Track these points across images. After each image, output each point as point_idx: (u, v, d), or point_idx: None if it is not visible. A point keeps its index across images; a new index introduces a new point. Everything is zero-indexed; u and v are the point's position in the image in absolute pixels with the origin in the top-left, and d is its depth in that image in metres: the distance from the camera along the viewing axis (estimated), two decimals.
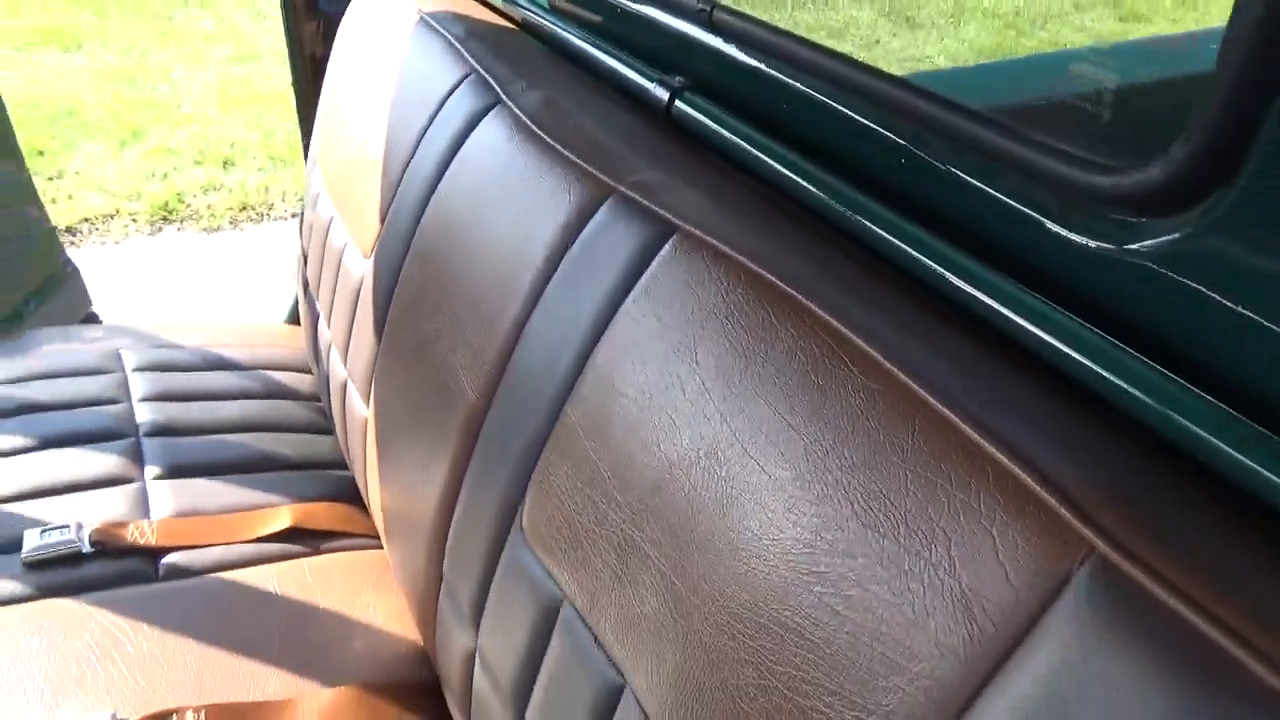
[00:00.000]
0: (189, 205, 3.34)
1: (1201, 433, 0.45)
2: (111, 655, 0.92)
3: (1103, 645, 0.41)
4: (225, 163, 3.53)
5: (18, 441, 1.14)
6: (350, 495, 1.19)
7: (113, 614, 0.96)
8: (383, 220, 1.03)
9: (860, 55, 0.75)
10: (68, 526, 1.03)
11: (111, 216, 3.26)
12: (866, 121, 0.69)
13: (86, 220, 3.20)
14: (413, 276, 0.95)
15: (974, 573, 0.45)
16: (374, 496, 1.06)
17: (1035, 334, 0.53)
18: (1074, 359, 0.51)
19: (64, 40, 4.37)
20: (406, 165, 1.00)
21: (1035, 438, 0.47)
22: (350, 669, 0.96)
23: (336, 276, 1.15)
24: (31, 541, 1.01)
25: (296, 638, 0.99)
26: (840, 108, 0.71)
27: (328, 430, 1.28)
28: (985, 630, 0.45)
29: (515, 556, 0.75)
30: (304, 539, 1.11)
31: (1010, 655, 0.44)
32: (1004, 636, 0.44)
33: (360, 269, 1.07)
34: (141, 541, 1.05)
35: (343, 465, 1.23)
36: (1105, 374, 0.49)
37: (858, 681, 0.49)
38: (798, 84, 0.75)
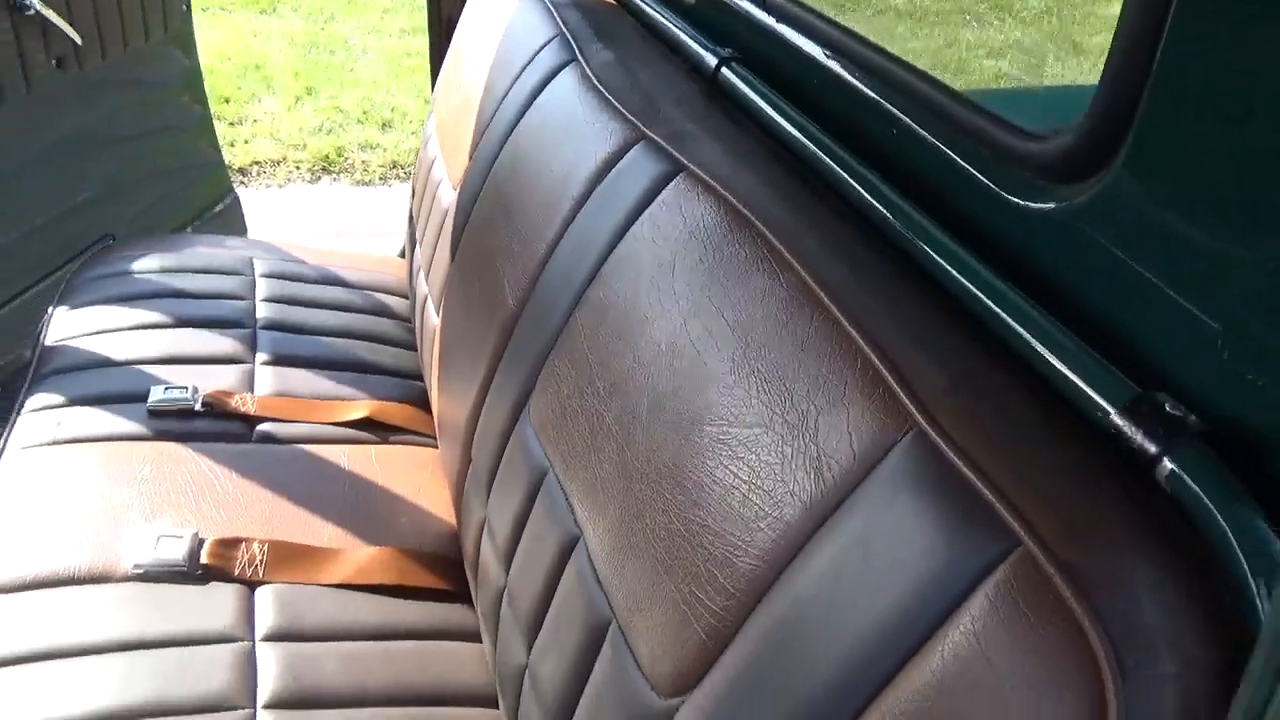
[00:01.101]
0: (347, 159, 3.64)
1: (1030, 339, 0.54)
2: (203, 491, 1.11)
3: (903, 496, 0.50)
4: (384, 124, 3.82)
5: (160, 318, 1.36)
6: (421, 401, 1.35)
7: (209, 460, 1.15)
8: (471, 156, 1.18)
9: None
10: (186, 388, 1.23)
11: (279, 163, 3.59)
12: (869, 92, 0.78)
13: (256, 163, 3.54)
14: (485, 204, 1.09)
15: (828, 440, 0.55)
16: (434, 399, 1.22)
17: (940, 264, 0.62)
18: (953, 275, 0.60)
19: (262, 4, 4.81)
20: (496, 110, 1.15)
21: (898, 336, 0.57)
22: (392, 536, 1.12)
23: (431, 206, 1.31)
24: (156, 395, 1.21)
25: (353, 505, 1.15)
26: (851, 79, 0.81)
27: (413, 346, 1.45)
28: (828, 484, 0.54)
29: (521, 435, 0.88)
30: (375, 430, 1.28)
31: (841, 504, 0.53)
32: (841, 489, 0.54)
33: (449, 199, 1.23)
34: (243, 409, 1.24)
35: (419, 377, 1.40)
36: (973, 289, 0.59)
37: (739, 525, 0.59)
38: (819, 57, 0.85)
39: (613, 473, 0.72)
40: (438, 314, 1.20)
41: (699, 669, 0.59)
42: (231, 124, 3.77)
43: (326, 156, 3.63)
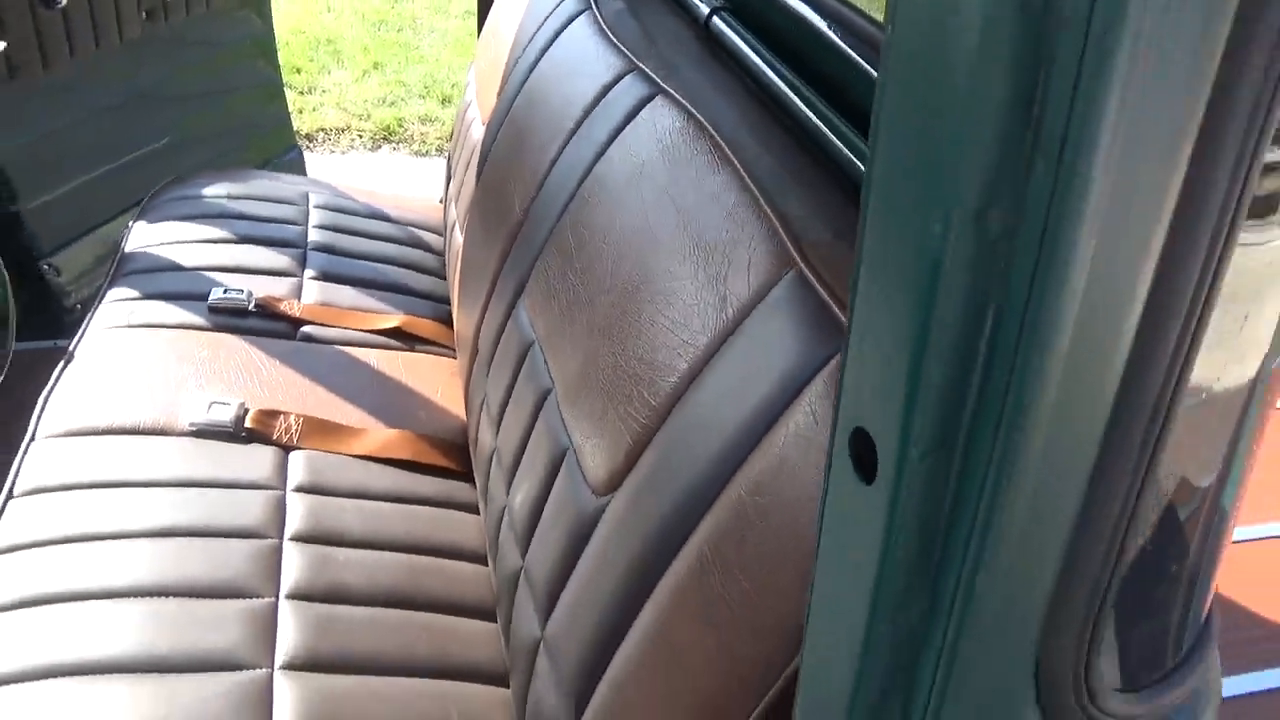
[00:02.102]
0: (407, 130, 3.83)
1: None
2: (250, 374, 1.28)
3: (779, 317, 0.64)
4: (444, 99, 4.01)
5: (223, 234, 1.54)
6: (446, 320, 1.51)
7: (258, 350, 1.32)
8: (498, 95, 1.33)
9: None
10: (242, 291, 1.41)
11: (343, 131, 3.80)
12: (844, 46, 0.91)
13: (322, 130, 3.75)
14: (505, 134, 1.25)
15: (735, 282, 0.69)
16: (455, 313, 1.38)
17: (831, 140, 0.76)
18: (836, 144, 0.73)
19: None
20: (521, 53, 1.30)
21: (801, 207, 0.70)
22: (410, 423, 1.28)
23: (464, 143, 1.47)
24: (215, 294, 1.39)
25: (378, 397, 1.31)
26: (828, 31, 0.94)
27: (443, 275, 1.62)
28: (730, 315, 0.68)
29: (516, 319, 1.03)
30: (404, 339, 1.45)
31: (737, 327, 0.67)
32: (738, 317, 0.68)
33: (478, 135, 1.39)
34: (289, 313, 1.41)
35: (447, 301, 1.56)
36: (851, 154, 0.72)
37: (665, 354, 0.73)
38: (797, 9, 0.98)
39: (579, 332, 0.87)
40: (461, 235, 1.36)
41: (624, 470, 0.74)
42: (301, 93, 3.99)
43: (388, 127, 3.83)
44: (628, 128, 0.95)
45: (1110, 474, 0.34)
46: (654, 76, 0.99)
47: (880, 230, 0.34)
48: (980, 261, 0.31)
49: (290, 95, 3.69)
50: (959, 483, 0.34)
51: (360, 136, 3.76)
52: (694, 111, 0.90)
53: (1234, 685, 1.44)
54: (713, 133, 0.84)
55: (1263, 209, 0.33)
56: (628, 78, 1.02)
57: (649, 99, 0.96)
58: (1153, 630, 0.43)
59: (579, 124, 1.04)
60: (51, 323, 1.90)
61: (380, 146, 3.74)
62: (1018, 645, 0.38)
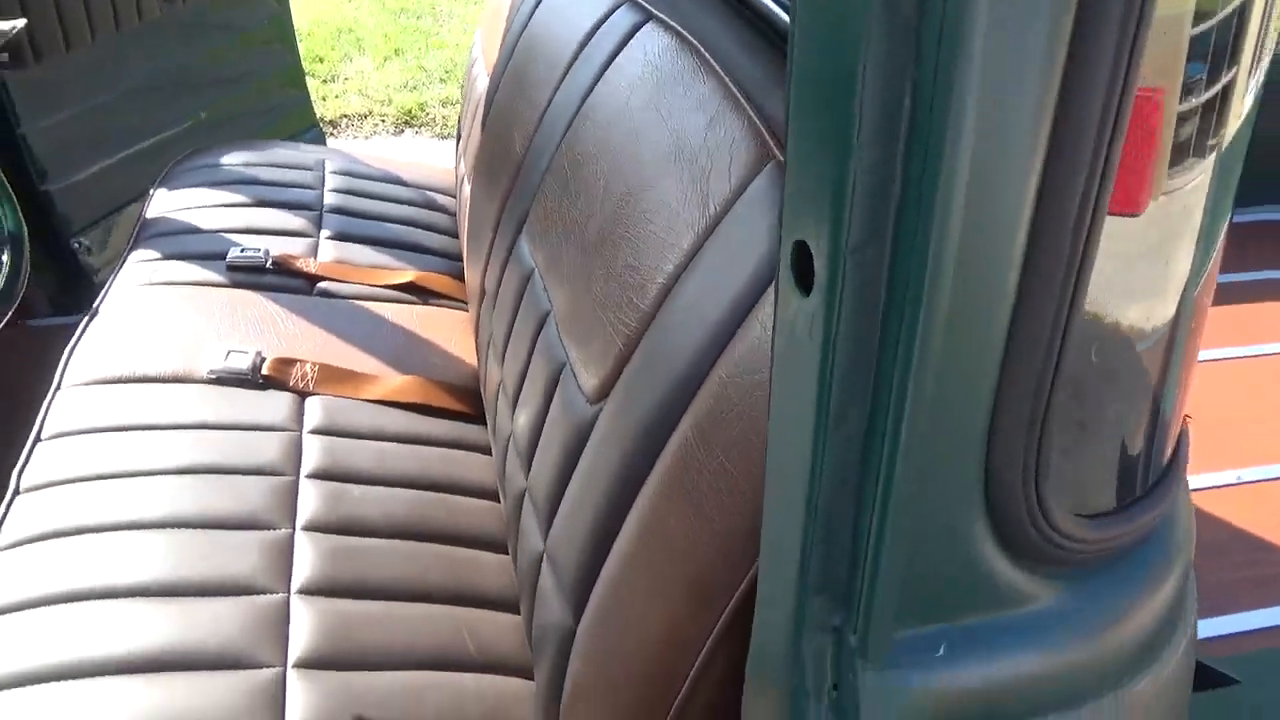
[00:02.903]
0: (429, 114, 3.87)
1: None
2: (267, 326, 1.31)
3: (757, 208, 0.65)
4: (464, 83, 4.04)
5: (241, 199, 1.57)
6: (459, 276, 1.53)
7: (275, 305, 1.35)
8: (500, 45, 1.35)
9: None
10: (259, 250, 1.44)
11: (365, 116, 3.84)
12: None
13: (345, 116, 3.80)
14: (508, 78, 1.26)
15: (715, 182, 0.70)
16: (465, 264, 1.40)
17: None
18: None
19: None
20: (520, 3, 1.31)
21: (769, 95, 0.71)
22: (422, 370, 1.31)
23: (471, 97, 1.49)
24: (233, 253, 1.42)
25: (391, 347, 1.34)
26: None
27: (455, 234, 1.64)
28: (712, 213, 0.69)
29: (518, 253, 1.05)
30: (418, 294, 1.47)
31: (718, 223, 0.68)
32: (719, 214, 0.69)
33: (483, 85, 1.41)
34: (305, 269, 1.44)
35: (460, 258, 1.58)
36: None
37: (652, 258, 0.75)
38: None
39: (574, 254, 0.88)
40: (469, 184, 1.38)
41: (615, 375, 0.75)
42: (324, 81, 4.04)
43: (409, 111, 3.86)
44: (620, 55, 0.96)
45: (1042, 262, 0.35)
46: (645, 4, 1.00)
47: (804, 50, 0.35)
48: (893, 54, 0.32)
49: (313, 84, 3.73)
50: (890, 274, 0.34)
51: (383, 121, 3.80)
52: (682, 30, 0.90)
53: (1258, 619, 1.43)
54: (698, 46, 0.85)
55: None
56: (621, 9, 1.03)
57: (640, 25, 0.97)
58: (1107, 454, 0.43)
59: (575, 58, 1.06)
60: (82, 299, 1.96)
61: (403, 130, 3.78)
62: (961, 455, 0.38)
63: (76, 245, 1.98)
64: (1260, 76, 0.39)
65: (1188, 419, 0.47)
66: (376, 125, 3.77)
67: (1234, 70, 0.37)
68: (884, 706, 0.41)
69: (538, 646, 0.87)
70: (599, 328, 0.79)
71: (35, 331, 1.87)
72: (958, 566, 0.40)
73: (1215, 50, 0.36)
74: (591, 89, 0.98)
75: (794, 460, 0.40)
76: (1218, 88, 0.37)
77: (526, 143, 1.11)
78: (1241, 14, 0.36)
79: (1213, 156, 0.39)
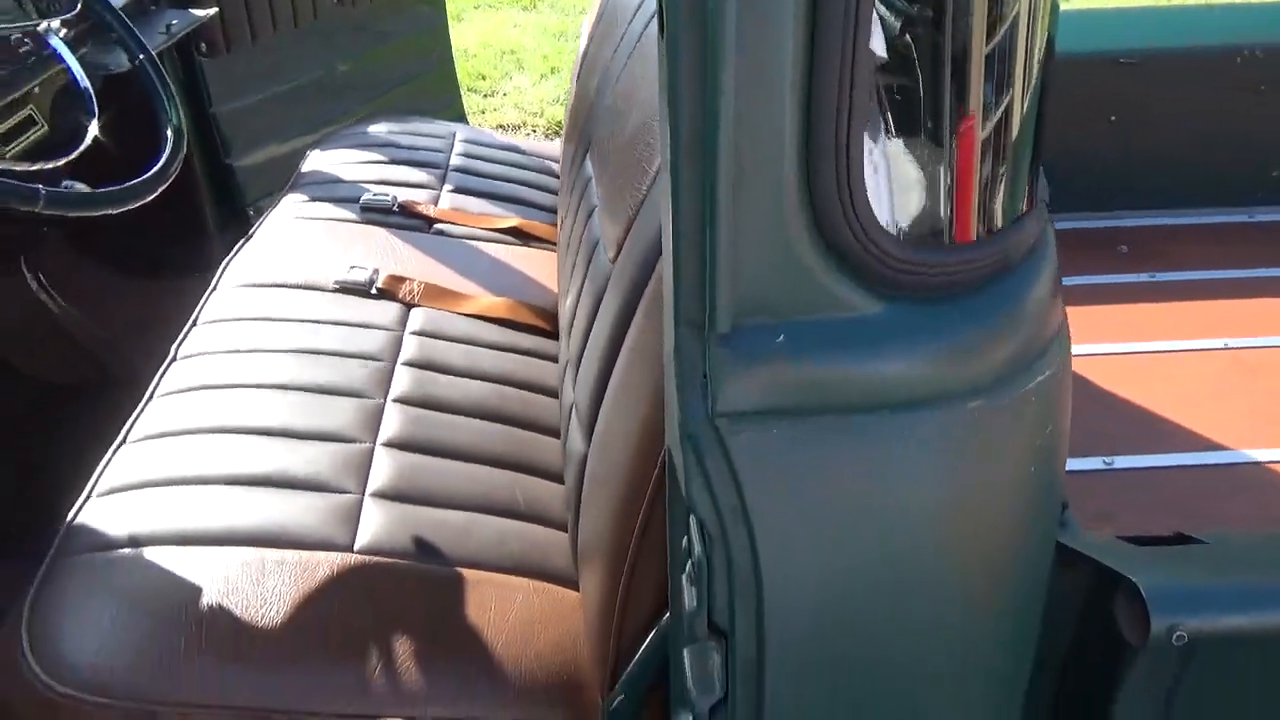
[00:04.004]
0: None
1: None
2: (386, 252, 1.52)
3: None
4: None
5: (380, 158, 1.81)
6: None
7: (396, 238, 1.57)
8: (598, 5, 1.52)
9: None
10: (388, 194, 1.66)
11: (519, 126, 4.14)
12: None
13: (500, 126, 4.11)
14: (594, 33, 1.43)
15: None
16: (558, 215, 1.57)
17: None
18: None
19: (524, 2, 5.48)
20: None
21: None
22: (512, 294, 1.48)
23: (578, 62, 1.67)
24: (365, 196, 1.64)
25: (489, 276, 1.52)
26: None
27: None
28: None
29: (582, 171, 1.20)
30: (520, 236, 1.66)
31: None
32: None
33: (583, 45, 1.58)
34: (426, 213, 1.65)
35: None
36: None
37: None
38: None
39: (613, 145, 1.02)
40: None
41: (625, 233, 0.89)
42: (484, 96, 4.37)
43: (558, 122, 4.13)
44: None
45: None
46: None
47: None
48: None
49: (475, 99, 4.05)
50: None
51: (534, 130, 4.09)
52: None
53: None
54: None
55: None
56: None
57: None
58: (932, 177, 0.52)
59: (637, 8, 1.21)
60: None
61: (554, 138, 4.05)
62: (778, 157, 0.49)
63: (251, 213, 2.29)
64: None
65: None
66: (529, 134, 4.06)
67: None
68: (734, 383, 0.52)
69: (567, 480, 1.01)
70: (622, 202, 0.92)
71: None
72: (787, 266, 0.50)
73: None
74: (642, 34, 1.13)
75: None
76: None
77: (595, 84, 1.27)
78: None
79: None
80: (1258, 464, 1.48)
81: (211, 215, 2.15)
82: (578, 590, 1.01)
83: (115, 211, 1.25)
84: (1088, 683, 0.75)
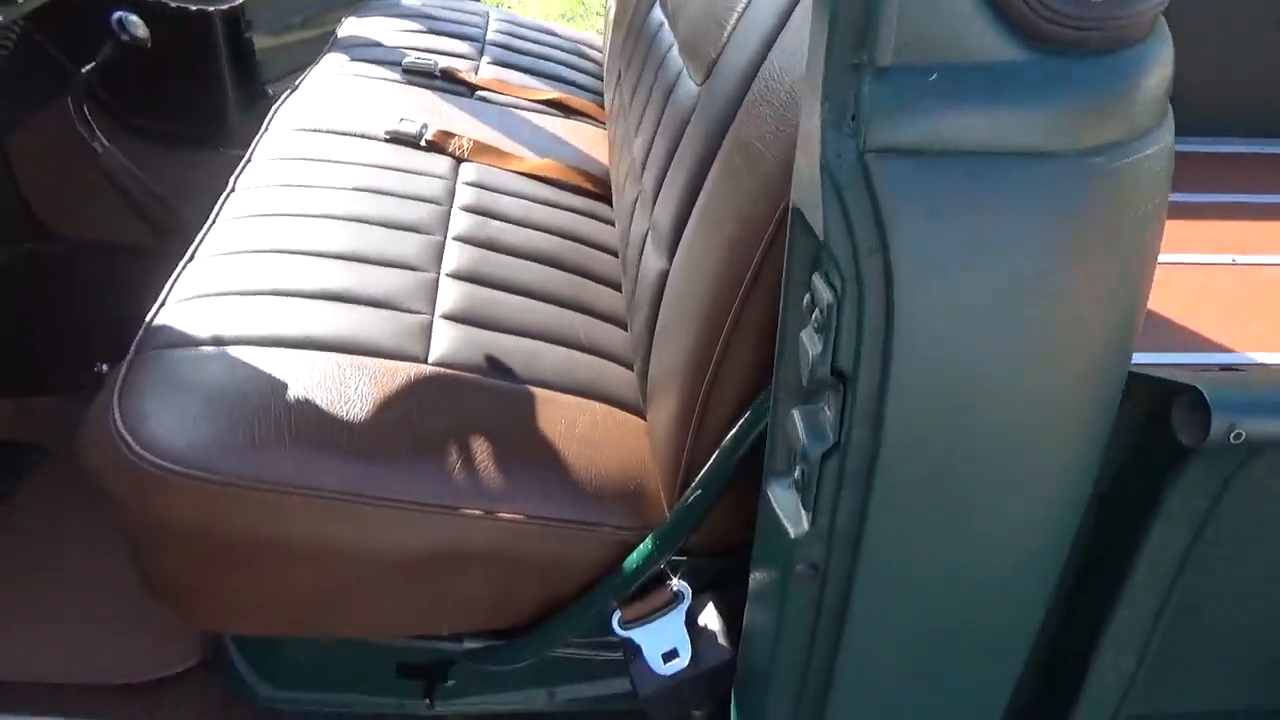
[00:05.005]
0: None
1: None
2: (434, 110, 1.53)
3: None
4: None
5: (418, 27, 1.80)
6: (598, 104, 1.71)
7: (440, 99, 1.57)
8: None
9: None
10: (430, 60, 1.65)
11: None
12: None
13: None
14: None
15: None
16: (606, 90, 1.58)
17: None
18: None
19: None
20: None
21: None
22: (559, 158, 1.49)
23: None
24: (407, 59, 1.64)
25: (537, 141, 1.53)
26: None
27: (598, 75, 1.82)
28: None
29: (651, 17, 1.21)
30: (561, 109, 1.66)
31: None
32: None
33: None
34: (468, 80, 1.65)
35: (601, 94, 1.77)
36: None
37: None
38: None
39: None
40: (613, 6, 1.56)
41: (714, 60, 0.91)
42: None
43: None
44: None
45: None
46: None
47: None
48: None
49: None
50: None
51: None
52: None
53: None
54: None
55: None
56: None
57: None
58: None
59: None
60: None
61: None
62: None
63: (269, 91, 2.27)
64: None
65: None
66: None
67: None
68: (887, 119, 0.55)
69: (633, 309, 1.04)
70: (707, 27, 0.94)
71: (231, 159, 2.16)
72: (946, 6, 0.53)
73: None
74: None
75: None
76: None
77: None
78: None
79: None
80: (1267, 367, 1.54)
81: (233, 92, 2.13)
82: (642, 419, 1.05)
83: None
84: (1135, 485, 0.80)
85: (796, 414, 0.67)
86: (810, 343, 0.63)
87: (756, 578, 0.79)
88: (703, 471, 0.87)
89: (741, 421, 0.84)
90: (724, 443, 0.85)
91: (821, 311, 0.61)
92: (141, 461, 0.86)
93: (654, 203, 1.02)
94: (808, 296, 0.64)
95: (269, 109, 2.24)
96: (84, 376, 1.46)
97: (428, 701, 1.04)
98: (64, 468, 1.36)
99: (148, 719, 1.08)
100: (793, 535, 0.69)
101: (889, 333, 0.59)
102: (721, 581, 0.99)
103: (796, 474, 0.68)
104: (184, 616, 0.98)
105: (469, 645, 1.04)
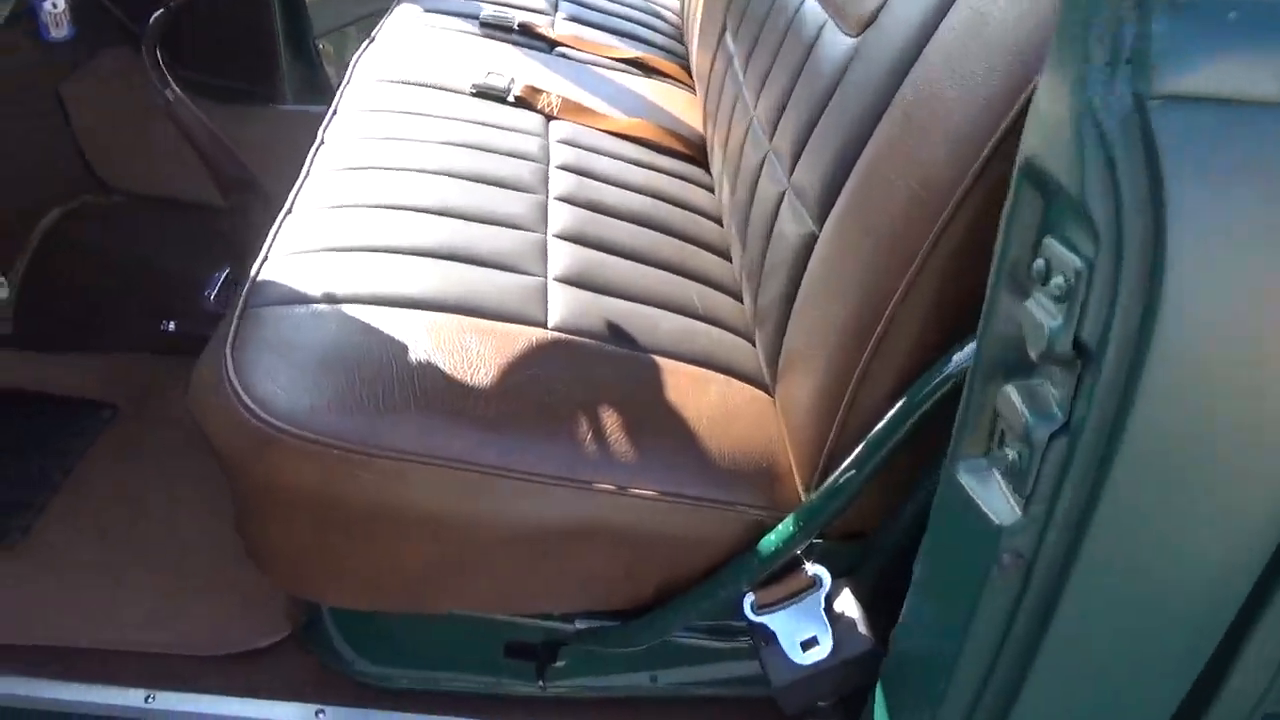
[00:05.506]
0: None
1: None
2: (517, 64, 1.46)
3: None
4: None
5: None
6: (682, 63, 1.65)
7: (521, 54, 1.50)
8: None
9: None
10: (508, 14, 1.58)
11: None
12: None
13: None
14: None
15: None
16: (696, 52, 1.51)
17: None
18: None
19: None
20: None
21: None
22: (647, 118, 1.43)
23: None
24: (485, 13, 1.57)
25: (623, 100, 1.47)
26: None
27: (678, 37, 1.75)
28: None
29: None
30: (643, 69, 1.59)
31: None
32: None
33: None
34: (546, 35, 1.58)
35: (684, 56, 1.69)
36: None
37: None
38: None
39: None
40: None
41: (876, 12, 0.85)
42: None
43: None
44: None
45: None
46: None
47: None
48: None
49: None
50: None
51: None
52: None
53: None
54: None
55: None
56: None
57: None
58: None
59: None
60: (317, 92, 2.18)
61: None
62: None
63: (321, 46, 2.20)
64: None
65: None
66: None
67: None
68: (1178, 61, 0.49)
69: (762, 277, 0.98)
70: None
71: (282, 114, 2.09)
72: None
73: None
74: None
75: None
76: None
77: None
78: None
79: None
80: None
81: (284, 45, 2.06)
82: (765, 392, 0.99)
83: None
84: None
85: (1013, 391, 0.61)
86: (1043, 313, 0.57)
87: (930, 566, 0.74)
88: (857, 450, 0.81)
89: (903, 399, 0.78)
90: (885, 421, 0.79)
91: (1068, 278, 0.56)
92: (262, 424, 0.80)
93: (792, 164, 0.95)
94: (1040, 262, 0.58)
95: (318, 63, 2.19)
96: (151, 334, 1.41)
97: (540, 683, 0.99)
98: (135, 426, 1.30)
99: (236, 692, 1.03)
100: (997, 523, 0.63)
101: (1153, 303, 0.53)
102: (855, 566, 0.93)
103: (1011, 456, 0.62)
104: (288, 584, 0.93)
105: (580, 625, 0.99)
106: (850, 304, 0.81)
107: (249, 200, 1.41)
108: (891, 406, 0.80)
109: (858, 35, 0.88)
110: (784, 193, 0.97)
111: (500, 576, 0.89)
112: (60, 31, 1.45)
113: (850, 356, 0.82)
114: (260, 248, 1.46)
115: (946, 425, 0.68)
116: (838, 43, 0.91)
